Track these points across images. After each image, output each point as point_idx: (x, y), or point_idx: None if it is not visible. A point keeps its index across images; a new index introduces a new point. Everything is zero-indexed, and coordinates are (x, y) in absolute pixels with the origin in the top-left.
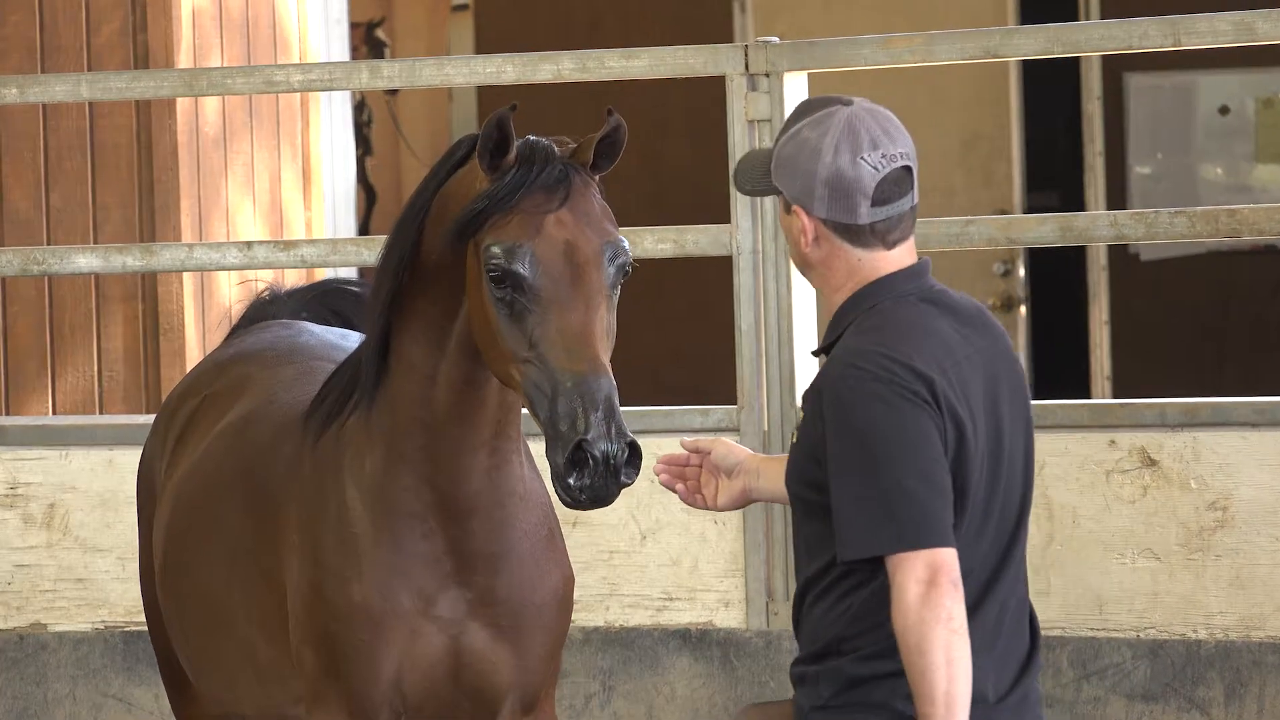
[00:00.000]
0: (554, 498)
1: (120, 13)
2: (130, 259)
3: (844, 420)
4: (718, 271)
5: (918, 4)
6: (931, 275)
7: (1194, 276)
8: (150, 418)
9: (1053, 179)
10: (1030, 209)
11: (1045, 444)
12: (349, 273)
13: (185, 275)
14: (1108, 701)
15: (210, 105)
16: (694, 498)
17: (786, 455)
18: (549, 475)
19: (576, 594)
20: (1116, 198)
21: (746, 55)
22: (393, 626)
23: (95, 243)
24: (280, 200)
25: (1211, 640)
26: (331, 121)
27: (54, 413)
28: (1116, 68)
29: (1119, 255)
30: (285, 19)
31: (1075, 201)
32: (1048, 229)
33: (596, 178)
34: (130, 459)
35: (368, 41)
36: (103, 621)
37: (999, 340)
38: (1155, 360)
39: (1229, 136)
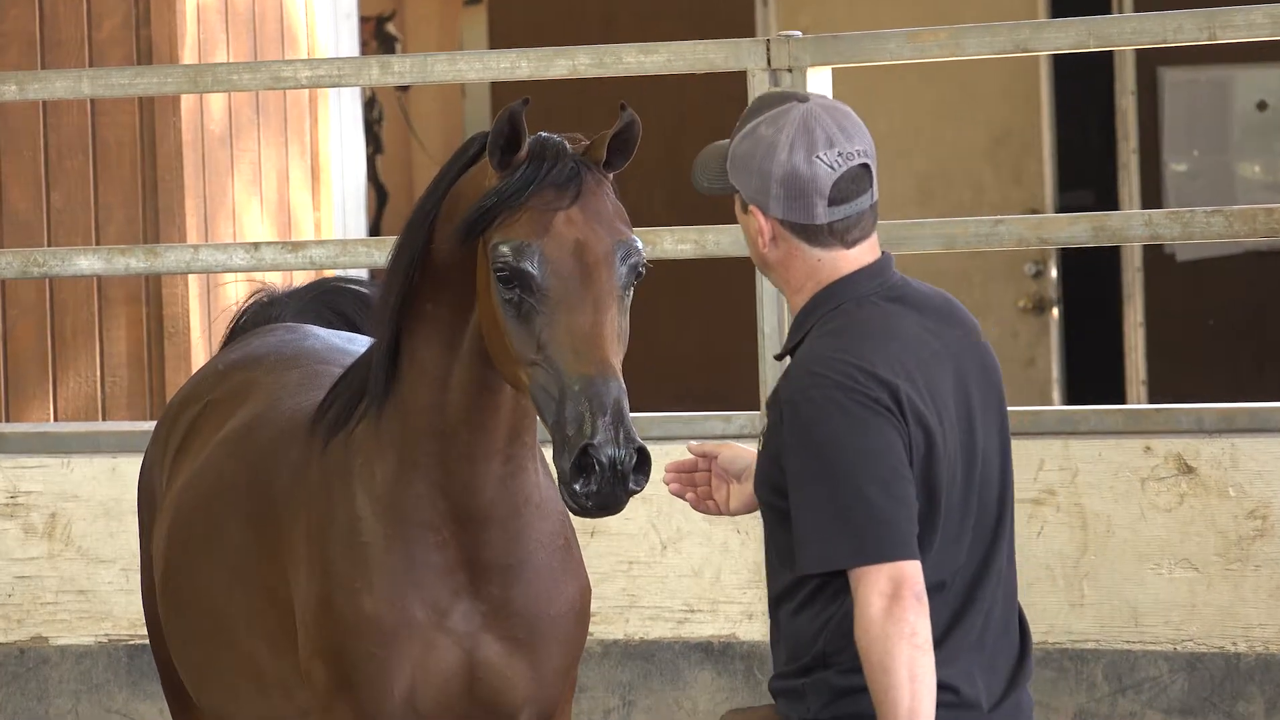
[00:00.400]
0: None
1: (123, 7)
2: (134, 261)
3: (803, 429)
4: (741, 273)
5: None
6: (895, 268)
7: (1231, 277)
8: (155, 424)
9: (1085, 177)
10: (1062, 208)
11: (1079, 450)
12: (359, 274)
13: (190, 277)
14: (1144, 716)
15: (216, 102)
16: (704, 504)
17: None
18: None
19: (595, 606)
20: (1151, 196)
21: (769, 50)
22: (405, 639)
23: (97, 244)
24: (288, 200)
25: (1251, 653)
26: (341, 119)
27: (55, 419)
28: (1151, 62)
29: (1154, 256)
30: (293, 13)
31: (1108, 200)
32: (1080, 229)
33: (610, 175)
34: (134, 467)
35: (378, 36)
36: (106, 634)
37: (970, 332)
38: (1192, 364)
39: (1267, 132)
